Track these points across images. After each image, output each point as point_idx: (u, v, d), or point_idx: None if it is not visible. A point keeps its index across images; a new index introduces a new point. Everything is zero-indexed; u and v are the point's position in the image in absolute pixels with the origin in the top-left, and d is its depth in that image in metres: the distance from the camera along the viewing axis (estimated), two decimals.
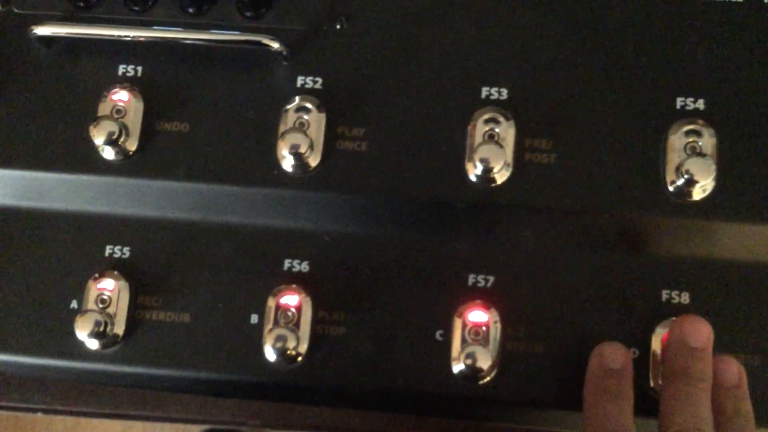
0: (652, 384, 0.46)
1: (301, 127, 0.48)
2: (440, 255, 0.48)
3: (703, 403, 0.43)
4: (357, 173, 0.48)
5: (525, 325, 0.47)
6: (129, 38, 0.50)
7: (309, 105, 0.49)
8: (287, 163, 0.49)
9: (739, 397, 0.44)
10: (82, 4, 0.51)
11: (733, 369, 0.44)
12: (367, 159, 0.48)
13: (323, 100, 0.49)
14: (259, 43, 0.49)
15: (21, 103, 0.51)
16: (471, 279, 0.48)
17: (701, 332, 0.44)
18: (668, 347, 0.45)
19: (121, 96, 0.50)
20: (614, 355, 0.45)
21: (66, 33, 0.50)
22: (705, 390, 0.44)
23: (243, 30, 0.50)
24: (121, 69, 0.51)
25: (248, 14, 0.50)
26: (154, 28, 0.50)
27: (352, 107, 0.49)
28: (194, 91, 0.50)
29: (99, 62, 0.51)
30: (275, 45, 0.49)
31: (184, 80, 0.50)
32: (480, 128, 0.48)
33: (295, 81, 0.50)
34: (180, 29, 0.50)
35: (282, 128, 0.49)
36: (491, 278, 0.48)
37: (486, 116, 0.47)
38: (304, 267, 0.50)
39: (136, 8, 0.51)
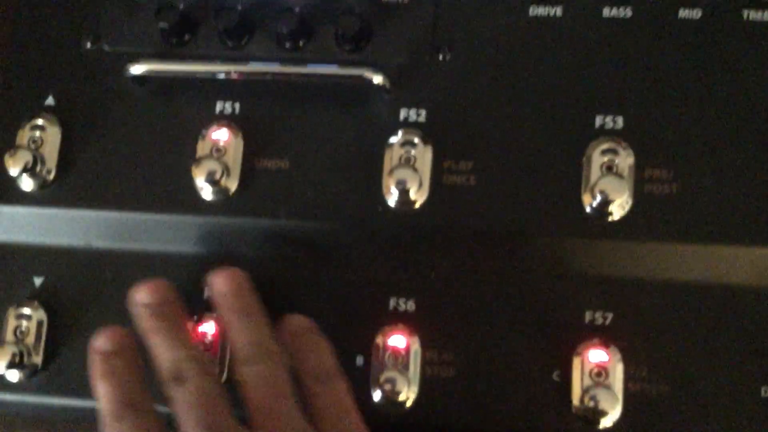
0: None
1: (408, 162, 0.47)
2: (557, 291, 0.47)
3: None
4: (466, 208, 0.47)
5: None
6: (226, 75, 0.49)
7: (415, 139, 0.47)
8: (393, 199, 0.47)
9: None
10: (175, 41, 0.50)
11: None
12: (476, 193, 0.47)
13: (428, 133, 0.48)
14: (361, 77, 0.47)
15: (116, 143, 0.50)
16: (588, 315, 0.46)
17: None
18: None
19: (220, 134, 0.48)
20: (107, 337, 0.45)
21: (162, 71, 0.49)
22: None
23: (342, 63, 0.49)
24: (218, 106, 0.49)
25: (347, 47, 0.49)
26: (251, 63, 0.49)
27: (458, 140, 0.48)
28: (294, 127, 0.49)
29: (195, 100, 0.50)
30: (378, 78, 0.47)
31: (283, 116, 0.49)
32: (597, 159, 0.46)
33: (398, 114, 0.48)
34: (278, 64, 0.49)
35: (388, 163, 0.47)
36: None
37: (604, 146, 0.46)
38: (410, 306, 0.48)
39: (231, 44, 0.50)
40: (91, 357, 0.45)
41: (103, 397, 0.44)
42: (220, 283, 0.46)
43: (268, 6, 0.50)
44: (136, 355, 0.45)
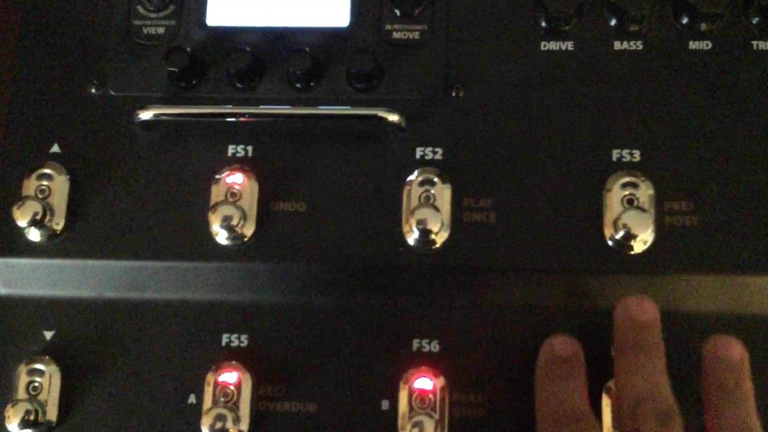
0: None
1: (428, 201, 0.47)
2: (582, 327, 0.47)
3: (657, 368, 0.43)
4: (488, 246, 0.47)
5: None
6: (237, 118, 0.48)
7: (433, 177, 0.47)
8: (414, 239, 0.47)
9: (740, 373, 0.43)
10: (183, 84, 0.50)
11: (736, 347, 0.43)
12: (497, 230, 0.47)
13: (445, 171, 0.48)
14: (375, 116, 0.47)
15: (126, 190, 0.48)
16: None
17: (646, 309, 0.43)
18: (617, 327, 0.44)
19: (235, 178, 0.48)
20: (564, 345, 0.45)
21: (171, 115, 0.49)
22: (658, 357, 0.43)
23: (355, 103, 0.49)
24: (230, 150, 0.49)
25: (359, 86, 0.49)
26: (262, 106, 0.49)
27: (476, 177, 0.47)
28: (308, 168, 0.48)
29: (207, 144, 0.49)
30: (393, 117, 0.47)
31: (297, 158, 0.48)
32: (617, 193, 0.46)
33: (414, 152, 0.48)
34: (290, 107, 0.48)
35: (407, 202, 0.47)
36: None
37: (623, 180, 0.46)
38: (434, 347, 0.48)
39: (241, 86, 0.49)
40: (543, 360, 0.44)
41: (548, 399, 0.43)
42: (636, 311, 0.44)
43: (278, 47, 0.50)
44: (584, 368, 0.44)
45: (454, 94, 0.48)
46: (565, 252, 0.47)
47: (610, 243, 0.46)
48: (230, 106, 0.48)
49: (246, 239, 0.48)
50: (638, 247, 0.46)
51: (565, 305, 0.47)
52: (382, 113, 0.47)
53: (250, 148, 0.49)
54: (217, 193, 0.48)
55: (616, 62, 0.48)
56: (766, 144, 0.47)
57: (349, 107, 0.48)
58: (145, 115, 0.48)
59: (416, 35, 0.49)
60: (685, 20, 0.48)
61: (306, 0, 0.50)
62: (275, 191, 0.48)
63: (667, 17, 0.49)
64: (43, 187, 0.49)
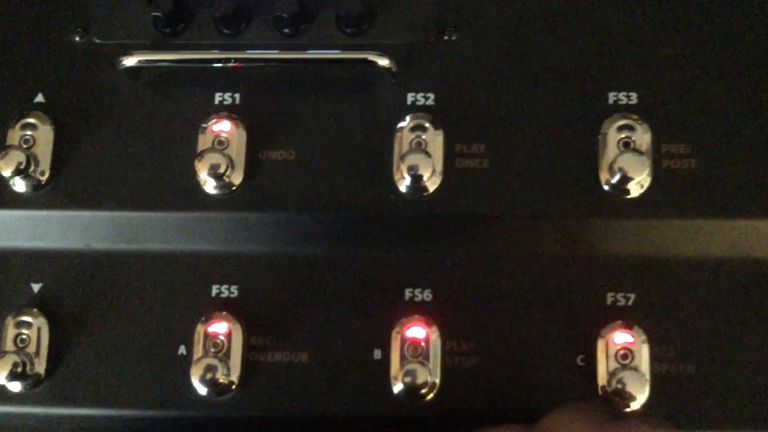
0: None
1: (419, 147, 0.46)
2: (577, 274, 0.46)
3: None
4: (480, 192, 0.46)
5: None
6: (224, 63, 0.47)
7: (425, 123, 0.46)
8: (405, 186, 0.46)
9: None
10: (168, 31, 0.48)
11: None
12: (490, 177, 0.46)
13: (437, 116, 0.46)
14: (365, 60, 0.46)
15: (112, 139, 0.47)
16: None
17: None
18: None
19: (222, 126, 0.47)
20: None
21: (156, 61, 0.47)
22: None
23: (344, 48, 0.47)
24: (217, 97, 0.48)
25: (349, 30, 0.48)
26: (250, 51, 0.48)
27: (469, 122, 0.46)
28: (298, 116, 0.47)
29: (193, 91, 0.48)
30: (383, 61, 0.46)
31: (286, 105, 0.47)
32: (613, 136, 0.45)
33: (405, 98, 0.47)
34: (278, 51, 0.47)
35: (398, 149, 0.46)
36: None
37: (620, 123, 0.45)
38: (427, 296, 0.47)
39: (227, 31, 0.48)
40: None
41: None
42: None
43: None
44: None
45: (446, 37, 0.47)
46: (559, 197, 0.45)
47: (605, 187, 0.45)
48: (216, 52, 0.47)
49: (234, 188, 0.47)
50: (634, 190, 0.45)
51: (560, 251, 0.46)
52: (372, 57, 0.46)
53: (237, 96, 0.48)
54: (203, 142, 0.47)
55: (613, 3, 0.47)
56: (558, 81, 0.46)
57: (338, 51, 0.47)
58: (129, 61, 0.47)
59: None
60: None
61: None
62: (264, 139, 0.47)
63: None
64: (27, 137, 0.48)
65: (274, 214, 0.47)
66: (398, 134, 0.46)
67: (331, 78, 0.48)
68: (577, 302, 0.46)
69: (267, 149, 0.47)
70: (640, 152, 0.44)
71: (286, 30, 0.48)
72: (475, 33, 0.47)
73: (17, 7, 0.50)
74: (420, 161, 0.45)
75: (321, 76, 0.48)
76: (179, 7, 0.48)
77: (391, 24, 0.47)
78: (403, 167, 0.45)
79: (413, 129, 0.46)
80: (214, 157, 0.46)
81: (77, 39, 0.49)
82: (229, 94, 0.48)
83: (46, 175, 0.47)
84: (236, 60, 0.47)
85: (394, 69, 0.46)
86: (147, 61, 0.47)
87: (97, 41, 0.49)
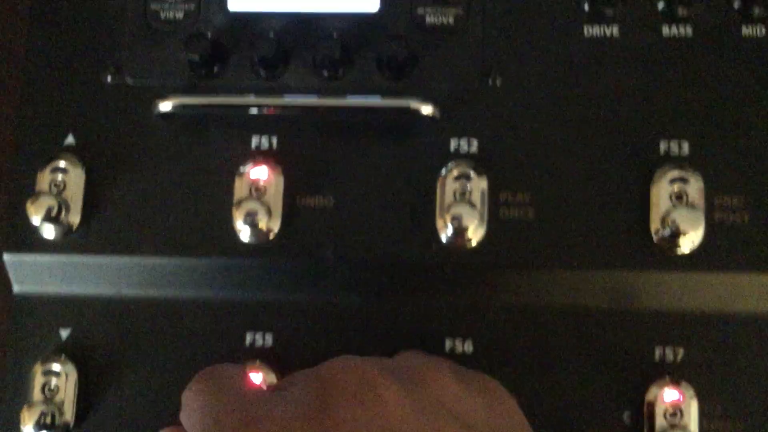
0: None
1: (464, 196, 0.44)
2: (624, 327, 0.45)
3: None
4: (526, 243, 0.44)
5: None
6: (260, 110, 0.46)
7: (469, 171, 0.44)
8: (448, 236, 0.44)
9: None
10: (204, 73, 0.47)
11: None
12: (535, 227, 0.44)
13: (481, 164, 0.45)
14: (408, 109, 0.44)
15: (145, 183, 0.46)
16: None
17: None
18: None
19: (259, 172, 0.45)
20: None
21: (192, 105, 0.46)
22: None
23: (385, 93, 0.46)
24: (254, 141, 0.46)
25: (390, 75, 0.46)
26: (287, 97, 0.46)
27: (514, 170, 0.45)
28: (336, 161, 0.46)
29: (229, 135, 0.46)
30: (426, 109, 0.44)
31: (325, 150, 0.46)
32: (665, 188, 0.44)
33: (447, 144, 0.45)
34: (317, 97, 0.46)
35: (442, 198, 0.45)
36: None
37: (672, 174, 0.44)
38: (468, 347, 0.45)
39: (266, 74, 0.47)
40: None
41: None
42: None
43: (304, 34, 0.47)
44: None
45: (490, 82, 0.46)
46: (607, 249, 0.44)
47: (655, 240, 0.44)
48: (254, 97, 0.46)
49: (271, 236, 0.45)
50: (686, 244, 0.43)
51: (607, 305, 0.45)
52: (414, 105, 0.45)
53: (274, 140, 0.47)
54: (240, 188, 0.46)
55: (664, 49, 0.45)
56: (608, 129, 0.45)
57: (379, 98, 0.45)
58: (165, 106, 0.46)
59: (450, 20, 0.47)
60: (737, 4, 0.45)
61: None
62: (302, 185, 0.46)
63: (719, 1, 0.46)
64: (57, 181, 0.46)
65: (312, 263, 0.46)
66: (441, 182, 0.45)
67: (371, 123, 0.46)
68: (624, 357, 0.45)
69: (305, 195, 0.46)
70: (694, 207, 0.43)
71: (325, 74, 0.47)
72: (520, 78, 0.46)
73: (47, 46, 0.49)
74: (464, 212, 0.43)
75: (361, 121, 0.46)
76: (216, 49, 0.47)
77: (434, 68, 0.46)
78: (447, 217, 0.44)
79: (457, 177, 0.44)
80: (252, 205, 0.44)
81: (109, 80, 0.48)
82: (267, 137, 0.47)
83: (77, 220, 0.46)
84: (273, 106, 0.45)
85: (436, 116, 0.45)
86: (183, 105, 0.46)
87: (130, 82, 0.48)
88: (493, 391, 0.39)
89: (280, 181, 0.46)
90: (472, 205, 0.43)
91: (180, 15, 0.48)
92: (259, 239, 0.45)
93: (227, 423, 0.35)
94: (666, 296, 0.44)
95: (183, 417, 0.39)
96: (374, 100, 0.45)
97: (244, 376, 0.40)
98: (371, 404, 0.34)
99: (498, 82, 0.46)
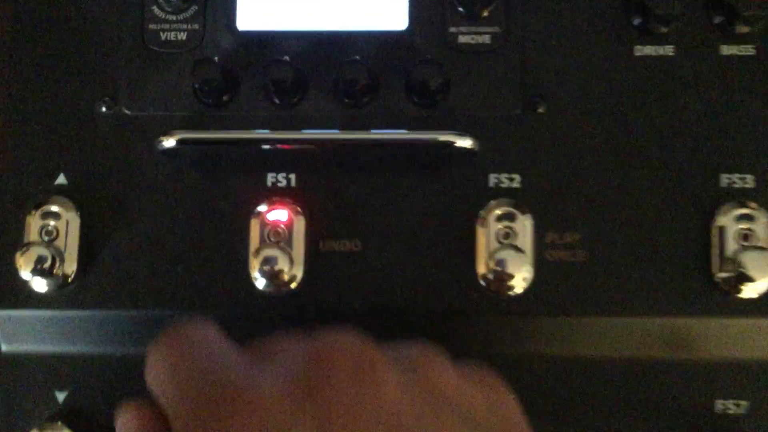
0: None
1: (507, 239, 0.40)
2: (684, 377, 0.41)
3: None
4: (575, 290, 0.40)
5: None
6: (276, 145, 0.40)
7: (512, 211, 0.40)
8: (490, 282, 0.40)
9: None
10: (211, 101, 0.42)
11: None
12: (586, 271, 0.40)
13: (524, 201, 0.41)
14: (445, 144, 0.40)
15: (148, 228, 0.41)
16: None
17: None
18: None
19: (279, 215, 0.40)
20: None
21: (199, 141, 0.41)
22: None
23: (416, 122, 0.41)
24: (270, 178, 0.41)
25: (421, 102, 0.41)
26: (306, 130, 0.41)
27: (561, 208, 0.40)
28: (363, 199, 0.41)
29: (242, 172, 0.41)
30: (465, 143, 0.40)
31: (349, 187, 0.41)
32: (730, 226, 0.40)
33: (487, 179, 0.41)
34: (339, 132, 0.41)
35: (483, 240, 0.40)
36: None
37: (737, 212, 0.40)
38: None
39: (281, 102, 0.42)
40: None
41: None
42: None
43: (324, 55, 0.42)
44: None
45: (533, 110, 0.41)
46: (665, 294, 0.40)
47: (718, 284, 0.40)
48: (268, 131, 0.41)
49: (293, 285, 0.41)
50: (753, 289, 0.39)
51: (665, 354, 0.41)
52: (451, 138, 0.40)
53: (293, 177, 0.42)
54: (257, 232, 0.41)
55: (723, 69, 0.41)
56: (665, 161, 0.41)
57: (409, 131, 0.40)
58: (169, 141, 0.40)
59: (487, 39, 0.42)
60: None
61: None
62: (325, 228, 0.41)
63: None
64: (49, 228, 0.41)
65: (339, 313, 0.41)
66: (481, 222, 0.40)
67: (400, 157, 0.41)
68: (683, 410, 0.41)
69: (329, 239, 0.41)
70: (763, 248, 0.39)
71: (348, 100, 0.42)
72: (566, 104, 0.41)
73: (31, 72, 0.43)
74: (508, 257, 0.39)
75: (389, 153, 0.41)
76: (225, 75, 0.42)
77: (470, 94, 0.41)
78: (491, 263, 0.39)
79: (499, 218, 0.40)
80: (271, 252, 0.40)
81: (104, 110, 0.42)
82: (284, 174, 0.42)
83: (73, 271, 0.41)
84: (291, 141, 0.40)
85: (476, 149, 0.41)
86: (189, 141, 0.40)
87: (128, 113, 0.43)
88: (495, 387, 0.35)
89: (302, 224, 0.41)
90: (518, 249, 0.39)
91: (183, 36, 0.43)
92: (279, 289, 0.40)
93: (199, 394, 0.30)
94: (729, 344, 0.41)
95: (147, 377, 0.33)
96: (404, 134, 0.40)
97: (220, 334, 0.34)
98: (369, 386, 0.30)
99: (541, 109, 0.41)
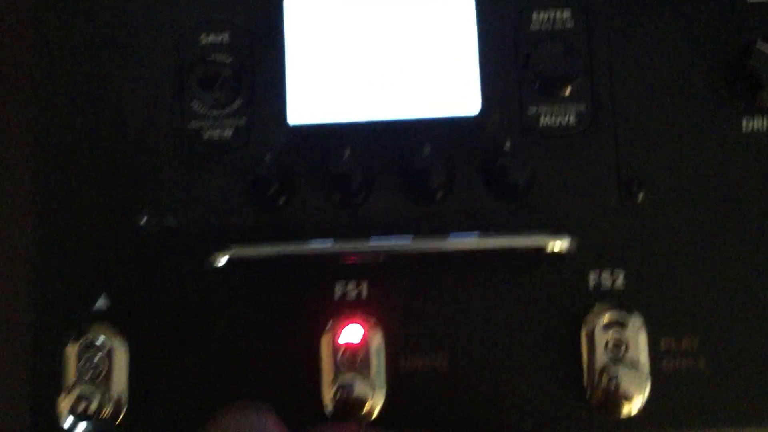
0: None
1: (619, 351, 0.35)
2: None
3: None
4: (698, 402, 0.35)
5: None
6: (344, 257, 0.36)
7: (623, 316, 0.35)
8: (600, 403, 0.35)
9: None
10: (269, 205, 0.37)
11: None
12: (708, 380, 0.35)
13: (630, 301, 0.36)
14: (537, 250, 0.34)
15: (206, 354, 0.36)
16: None
17: None
18: None
19: (352, 334, 0.36)
20: None
21: (257, 257, 0.36)
22: None
23: (498, 219, 0.36)
24: (338, 290, 0.36)
25: (504, 197, 0.36)
26: (375, 241, 0.35)
27: (674, 309, 0.36)
28: (445, 308, 0.36)
29: (306, 284, 0.37)
30: (561, 245, 0.34)
31: (429, 296, 0.36)
32: None
33: (585, 280, 0.36)
34: (411, 241, 0.35)
35: (589, 353, 0.35)
36: None
37: None
38: None
39: (342, 201, 0.37)
40: None
41: None
42: None
43: (390, 147, 0.37)
44: None
45: (631, 197, 0.37)
46: None
47: None
48: (332, 242, 0.35)
49: (374, 411, 0.36)
50: None
51: None
52: (543, 241, 0.35)
53: (364, 286, 0.37)
54: (328, 353, 0.36)
55: None
56: None
57: (492, 236, 0.35)
58: (223, 259, 0.36)
59: (572, 119, 0.38)
60: None
61: (420, 83, 0.37)
62: (405, 342, 0.36)
63: None
64: (93, 362, 0.36)
65: None
66: (586, 333, 0.35)
67: (485, 261, 0.37)
68: None
69: (411, 356, 0.36)
70: None
71: (418, 196, 0.37)
72: (669, 190, 0.36)
73: (64, 184, 0.38)
74: (624, 376, 0.34)
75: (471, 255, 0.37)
76: (282, 175, 0.37)
77: (557, 184, 0.37)
78: (601, 382, 0.34)
79: (607, 326, 0.35)
80: (347, 378, 0.35)
81: (144, 222, 0.38)
82: (354, 283, 0.37)
83: (123, 410, 0.36)
84: (358, 252, 0.36)
85: (573, 249, 0.36)
86: (243, 259, 0.36)
87: (172, 224, 0.38)
88: None
89: (379, 340, 0.36)
90: (632, 364, 0.34)
91: (228, 134, 0.39)
92: (357, 417, 0.36)
93: None
94: None
95: None
96: (488, 241, 0.35)
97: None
98: None
99: (640, 197, 0.37)
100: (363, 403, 0.35)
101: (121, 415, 0.36)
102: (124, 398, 0.36)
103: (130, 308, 0.37)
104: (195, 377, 0.36)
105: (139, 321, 0.37)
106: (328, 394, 0.35)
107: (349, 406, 0.35)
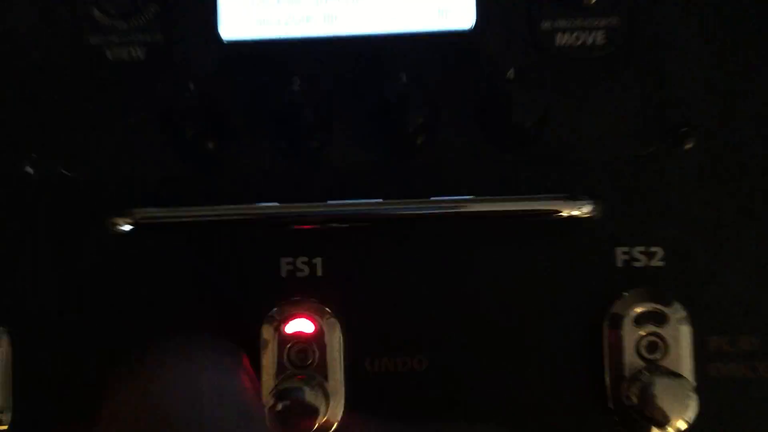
0: None
1: (655, 352, 0.27)
2: None
3: None
4: (756, 419, 0.27)
5: None
6: (291, 225, 0.27)
7: (657, 307, 0.27)
8: (628, 414, 0.27)
9: None
10: (193, 151, 0.27)
11: None
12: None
13: (671, 286, 0.28)
14: (552, 212, 0.26)
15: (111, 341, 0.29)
16: None
17: None
18: None
19: (303, 324, 0.27)
20: None
21: (172, 224, 0.27)
22: None
23: (496, 169, 0.27)
24: (285, 266, 0.27)
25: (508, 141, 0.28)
26: (332, 203, 0.27)
27: (728, 301, 0.27)
28: (424, 291, 0.27)
29: (242, 256, 0.27)
30: (581, 209, 0.26)
31: (402, 273, 0.27)
32: None
33: (612, 256, 0.27)
34: (380, 205, 0.27)
35: (616, 353, 0.26)
36: None
37: None
38: None
39: (289, 142, 0.27)
40: None
41: None
42: None
43: (355, 76, 0.28)
44: None
45: (678, 143, 0.27)
46: None
47: None
48: (278, 205, 0.27)
49: (330, 428, 0.27)
50: None
51: None
52: (557, 205, 0.26)
53: (318, 262, 0.29)
54: (271, 349, 0.27)
55: None
56: None
57: (492, 198, 0.27)
58: (125, 225, 0.28)
59: (599, 38, 0.27)
60: None
61: None
62: (372, 339, 0.28)
63: None
64: None
65: None
66: (612, 324, 0.27)
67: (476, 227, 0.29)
68: None
69: (378, 355, 0.27)
70: None
71: (392, 142, 0.28)
72: (732, 139, 0.27)
73: None
74: (661, 388, 0.26)
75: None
76: (210, 113, 0.28)
77: (578, 126, 0.27)
78: (631, 392, 0.26)
79: (640, 320, 0.27)
80: (293, 382, 0.26)
81: (29, 168, 0.29)
82: (305, 260, 0.27)
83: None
84: (314, 219, 0.27)
85: (596, 215, 0.27)
86: (156, 221, 0.27)
87: (66, 173, 0.29)
88: None
89: (336, 336, 0.27)
90: (675, 375, 0.26)
91: (140, 53, 0.29)
92: None
93: None
94: None
95: None
96: (485, 204, 0.26)
97: None
98: None
99: (689, 146, 0.27)
100: (314, 414, 0.27)
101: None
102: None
103: (12, 287, 0.29)
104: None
105: (22, 307, 0.29)
106: (268, 402, 0.27)
107: (296, 417, 0.27)
